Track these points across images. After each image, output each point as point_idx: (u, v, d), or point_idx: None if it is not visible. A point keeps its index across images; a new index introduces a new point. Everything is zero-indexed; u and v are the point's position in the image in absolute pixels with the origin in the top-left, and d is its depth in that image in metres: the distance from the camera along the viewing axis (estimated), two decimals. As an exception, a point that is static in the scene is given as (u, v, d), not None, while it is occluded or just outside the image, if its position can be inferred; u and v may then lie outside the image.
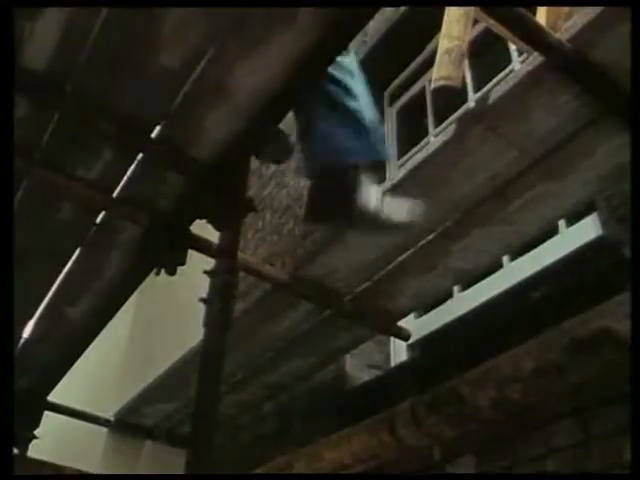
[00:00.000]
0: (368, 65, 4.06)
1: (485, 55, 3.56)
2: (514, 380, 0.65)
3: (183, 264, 2.27)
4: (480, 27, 3.06)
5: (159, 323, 4.76)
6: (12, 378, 1.31)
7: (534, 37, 1.65)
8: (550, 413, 0.75)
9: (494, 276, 3.00)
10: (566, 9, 1.85)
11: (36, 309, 2.76)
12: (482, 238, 2.36)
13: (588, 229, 2.62)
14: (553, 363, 0.63)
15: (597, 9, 1.66)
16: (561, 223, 2.75)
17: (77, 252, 2.46)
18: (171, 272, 2.26)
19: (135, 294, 2.66)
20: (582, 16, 1.71)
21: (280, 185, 4.47)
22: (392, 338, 3.24)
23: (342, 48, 1.89)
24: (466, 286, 3.12)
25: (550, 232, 2.74)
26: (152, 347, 4.61)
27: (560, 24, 1.77)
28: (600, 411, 0.82)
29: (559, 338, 0.64)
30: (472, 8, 1.79)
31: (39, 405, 3.23)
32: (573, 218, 2.72)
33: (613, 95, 1.76)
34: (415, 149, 3.80)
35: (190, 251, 2.31)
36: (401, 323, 2.89)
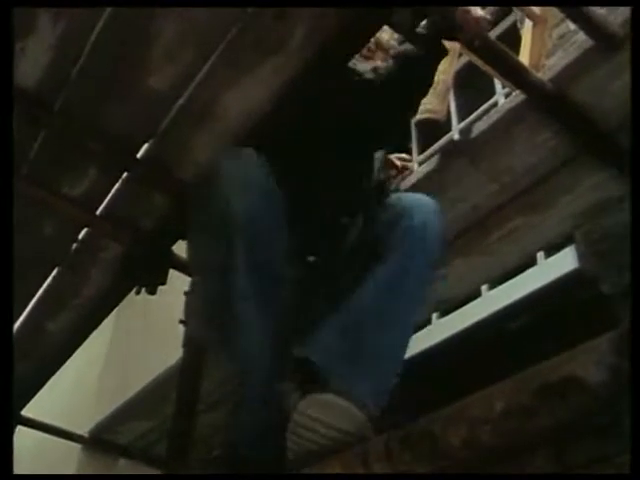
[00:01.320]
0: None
1: (470, 85, 3.61)
2: (485, 422, 0.66)
3: (164, 284, 2.27)
4: (465, 58, 3.11)
5: (137, 341, 4.74)
6: (12, 372, 1.30)
7: (516, 76, 1.68)
8: (523, 451, 0.77)
9: (472, 304, 3.03)
10: (548, 48, 1.90)
11: (14, 323, 2.74)
12: (463, 267, 2.39)
13: (566, 261, 2.66)
14: (523, 406, 0.65)
15: (578, 50, 1.71)
16: (540, 254, 2.79)
17: (58, 268, 2.45)
18: (152, 291, 2.26)
19: (114, 311, 2.66)
20: (564, 56, 1.76)
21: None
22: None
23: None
24: (444, 313, 3.15)
25: (528, 263, 2.78)
26: (129, 365, 4.59)
27: (542, 62, 1.82)
28: (572, 448, 0.84)
29: (529, 382, 0.66)
30: (457, 44, 1.82)
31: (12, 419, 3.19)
32: (552, 249, 2.76)
33: (593, 134, 1.80)
34: (399, 177, 3.83)
35: (171, 271, 2.32)
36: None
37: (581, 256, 2.51)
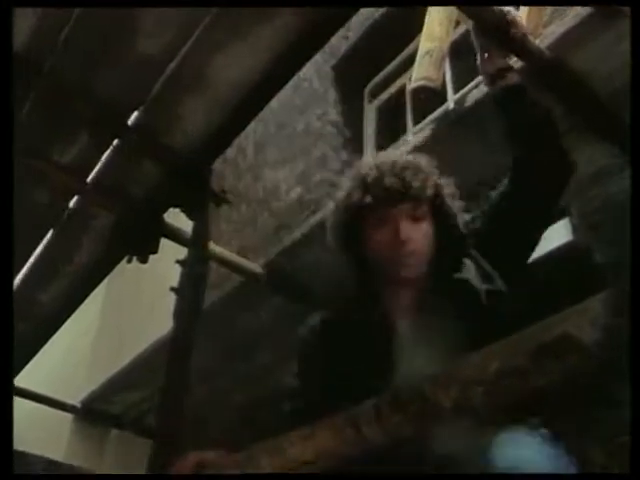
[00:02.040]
0: (349, 61, 4.08)
1: (466, 55, 3.57)
2: (478, 383, 0.66)
3: (155, 252, 2.26)
4: (462, 27, 3.07)
5: (129, 310, 4.74)
6: (12, 371, 1.30)
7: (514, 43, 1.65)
8: (515, 414, 0.77)
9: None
10: (546, 15, 1.87)
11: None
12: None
13: (560, 233, 2.65)
14: (517, 367, 0.64)
15: (576, 18, 1.69)
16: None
17: (49, 236, 2.43)
18: (143, 260, 2.25)
19: (105, 280, 2.64)
20: (561, 24, 1.73)
21: (256, 177, 4.46)
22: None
23: (322, 43, 1.87)
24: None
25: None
26: (121, 334, 4.59)
27: (540, 30, 1.79)
28: (564, 414, 0.84)
29: (524, 343, 0.65)
30: (455, 11, 1.79)
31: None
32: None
33: (589, 104, 1.78)
34: (394, 146, 3.81)
35: (163, 239, 2.30)
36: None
37: (575, 229, 2.50)
